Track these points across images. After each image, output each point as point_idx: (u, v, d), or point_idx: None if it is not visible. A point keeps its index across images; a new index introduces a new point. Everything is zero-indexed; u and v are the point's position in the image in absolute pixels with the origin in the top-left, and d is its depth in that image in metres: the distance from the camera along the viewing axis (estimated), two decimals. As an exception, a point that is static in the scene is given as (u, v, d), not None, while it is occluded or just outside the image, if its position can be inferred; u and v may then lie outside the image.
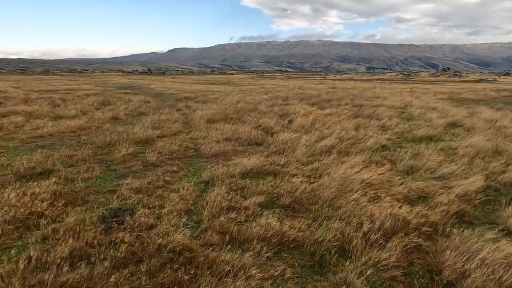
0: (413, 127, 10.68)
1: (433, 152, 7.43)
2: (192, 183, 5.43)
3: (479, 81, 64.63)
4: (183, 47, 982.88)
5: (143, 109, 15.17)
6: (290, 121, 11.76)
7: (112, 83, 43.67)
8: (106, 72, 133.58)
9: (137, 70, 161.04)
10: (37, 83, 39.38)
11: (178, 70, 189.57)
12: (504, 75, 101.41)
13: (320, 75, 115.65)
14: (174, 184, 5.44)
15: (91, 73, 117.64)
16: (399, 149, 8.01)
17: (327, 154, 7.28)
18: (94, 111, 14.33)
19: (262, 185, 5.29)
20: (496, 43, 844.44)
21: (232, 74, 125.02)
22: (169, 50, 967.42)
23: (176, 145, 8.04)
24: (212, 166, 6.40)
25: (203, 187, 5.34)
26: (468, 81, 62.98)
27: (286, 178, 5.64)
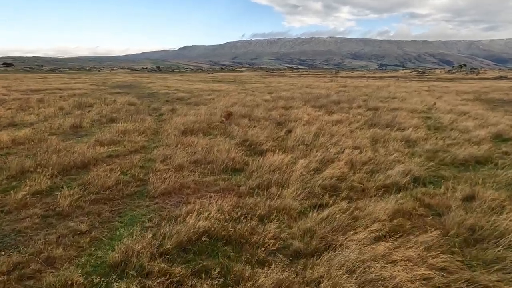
0: (449, 142, 8.11)
1: (494, 190, 4.91)
2: (84, 271, 3.06)
3: (499, 78, 60.79)
4: (194, 44, 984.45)
5: (120, 113, 12.91)
6: (289, 132, 9.31)
7: (112, 82, 41.81)
8: (115, 70, 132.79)
9: (146, 68, 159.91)
10: (34, 82, 37.78)
11: (187, 68, 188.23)
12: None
13: (331, 72, 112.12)
14: (48, 276, 3.01)
15: (99, 71, 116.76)
16: (439, 183, 5.52)
17: (331, 195, 4.84)
18: (60, 117, 12.14)
19: (210, 278, 2.89)
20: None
21: (241, 71, 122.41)
22: (180, 48, 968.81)
23: (119, 173, 5.71)
24: (145, 222, 4.06)
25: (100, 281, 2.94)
26: (487, 79, 59.18)
27: (258, 256, 3.24)
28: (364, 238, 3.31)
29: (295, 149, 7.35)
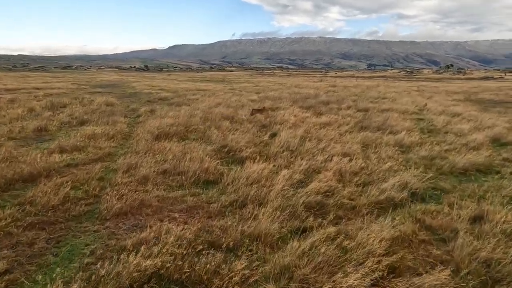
0: (445, 148, 7.48)
1: (503, 207, 4.24)
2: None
3: (485, 78, 61.36)
4: (184, 43, 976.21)
5: (94, 115, 11.96)
6: (273, 136, 8.56)
7: (96, 81, 40.49)
8: (102, 68, 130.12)
9: (134, 67, 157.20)
10: (12, 80, 36.27)
11: (176, 67, 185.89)
12: (510, 72, 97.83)
13: (321, 72, 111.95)
14: None
15: (85, 70, 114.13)
16: (439, 197, 4.84)
17: (317, 215, 4.11)
18: (27, 119, 11.14)
19: None
20: (498, 40, 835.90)
21: (231, 71, 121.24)
22: (169, 47, 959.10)
23: (71, 188, 4.87)
24: (86, 255, 3.25)
25: None
26: (474, 79, 59.65)
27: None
28: (356, 285, 2.57)
29: (278, 156, 6.60)
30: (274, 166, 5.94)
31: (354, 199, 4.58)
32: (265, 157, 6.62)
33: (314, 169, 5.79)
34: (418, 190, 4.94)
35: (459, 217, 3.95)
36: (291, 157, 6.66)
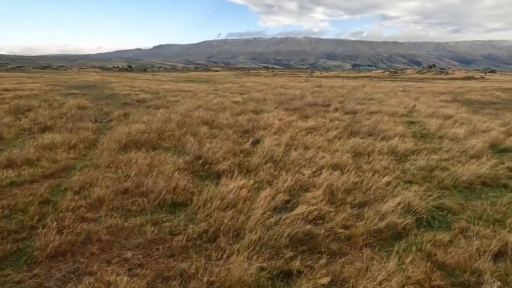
0: (444, 156, 6.82)
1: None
2: None
3: (467, 78, 62.31)
4: (169, 43, 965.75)
5: (60, 120, 10.87)
6: (255, 144, 7.75)
7: (75, 81, 38.71)
8: (84, 68, 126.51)
9: (117, 67, 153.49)
10: (-18, 81, 34.25)
11: (160, 67, 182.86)
12: (489, 72, 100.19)
13: (306, 72, 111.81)
14: None
15: (66, 70, 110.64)
16: (447, 220, 4.14)
17: (305, 253, 3.32)
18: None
19: None
20: (477, 41, 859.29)
21: (216, 71, 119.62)
22: (154, 47, 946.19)
23: (3, 217, 3.93)
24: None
25: None
26: (456, 79, 60.44)
27: None
28: None
29: (260, 169, 5.79)
30: (254, 182, 5.13)
31: (349, 226, 3.82)
32: (245, 170, 5.81)
33: (301, 185, 5.00)
34: (422, 212, 4.21)
35: (478, 253, 3.23)
36: (275, 170, 5.86)
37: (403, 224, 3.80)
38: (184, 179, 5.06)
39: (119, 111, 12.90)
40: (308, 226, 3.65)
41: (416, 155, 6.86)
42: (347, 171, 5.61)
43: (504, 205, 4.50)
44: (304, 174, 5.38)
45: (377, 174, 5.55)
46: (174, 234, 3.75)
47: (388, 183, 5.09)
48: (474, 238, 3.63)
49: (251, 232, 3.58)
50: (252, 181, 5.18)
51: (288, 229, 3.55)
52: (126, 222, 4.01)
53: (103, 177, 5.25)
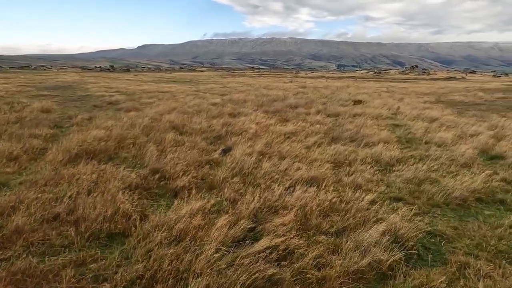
0: (432, 166, 6.16)
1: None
2: None
3: (449, 78, 63.23)
4: (153, 43, 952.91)
5: (14, 126, 9.78)
6: (226, 152, 6.94)
7: (49, 82, 36.90)
8: (65, 68, 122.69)
9: (99, 67, 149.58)
10: None
11: (144, 67, 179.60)
12: (470, 72, 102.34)
13: (292, 72, 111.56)
14: None
15: (45, 70, 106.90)
16: (441, 250, 3.43)
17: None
18: None
19: None
20: (457, 42, 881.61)
21: (202, 71, 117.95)
22: (139, 47, 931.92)
23: None
24: None
25: None
26: (438, 79, 61.22)
27: None
28: None
29: (225, 186, 4.99)
30: (215, 203, 4.32)
31: (323, 265, 3.05)
32: (207, 187, 5.00)
33: (270, 206, 4.22)
34: (411, 240, 3.49)
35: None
36: (243, 185, 5.07)
37: (389, 262, 3.06)
38: (128, 202, 4.20)
39: (84, 115, 11.86)
40: (271, 271, 2.86)
41: (402, 165, 6.19)
42: (325, 186, 4.87)
43: (506, 229, 3.83)
44: (274, 192, 4.60)
45: (359, 190, 4.82)
46: (100, 281, 2.91)
47: (372, 202, 4.37)
48: (474, 274, 2.94)
49: (196, 278, 2.78)
50: (212, 201, 4.37)
51: (244, 276, 2.75)
52: (43, 263, 3.14)
53: (33, 198, 4.34)
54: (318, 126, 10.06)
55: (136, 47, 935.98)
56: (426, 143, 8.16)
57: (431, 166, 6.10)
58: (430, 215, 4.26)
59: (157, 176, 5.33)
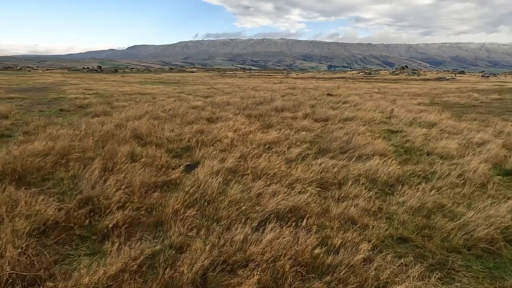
0: (438, 184, 5.01)
1: None
2: None
3: (439, 79, 62.96)
4: (144, 44, 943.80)
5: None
6: (191, 169, 5.69)
7: (28, 83, 35.04)
8: (51, 69, 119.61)
9: (87, 68, 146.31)
10: None
11: (133, 68, 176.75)
12: (459, 73, 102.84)
13: (283, 73, 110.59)
14: None
15: (29, 71, 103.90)
16: None
17: None
18: None
19: None
20: (446, 43, 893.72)
21: (192, 72, 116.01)
22: (129, 47, 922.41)
23: None
24: None
25: None
26: (429, 79, 60.83)
27: None
28: None
29: (175, 222, 3.73)
30: (151, 255, 3.07)
31: None
32: (152, 224, 3.74)
33: (227, 261, 2.98)
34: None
35: None
36: (199, 221, 3.83)
37: None
38: (25, 258, 2.91)
39: (41, 121, 10.45)
40: None
41: (404, 186, 5.02)
42: (306, 223, 3.65)
43: None
44: (235, 236, 3.35)
45: (352, 227, 3.62)
46: None
47: (368, 260, 3.14)
48: None
49: None
50: (150, 250, 3.12)
51: None
52: None
53: None
54: (304, 133, 8.87)
55: (126, 47, 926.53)
56: (428, 154, 7.02)
57: (439, 186, 4.94)
58: (449, 268, 3.08)
59: (86, 208, 4.04)
